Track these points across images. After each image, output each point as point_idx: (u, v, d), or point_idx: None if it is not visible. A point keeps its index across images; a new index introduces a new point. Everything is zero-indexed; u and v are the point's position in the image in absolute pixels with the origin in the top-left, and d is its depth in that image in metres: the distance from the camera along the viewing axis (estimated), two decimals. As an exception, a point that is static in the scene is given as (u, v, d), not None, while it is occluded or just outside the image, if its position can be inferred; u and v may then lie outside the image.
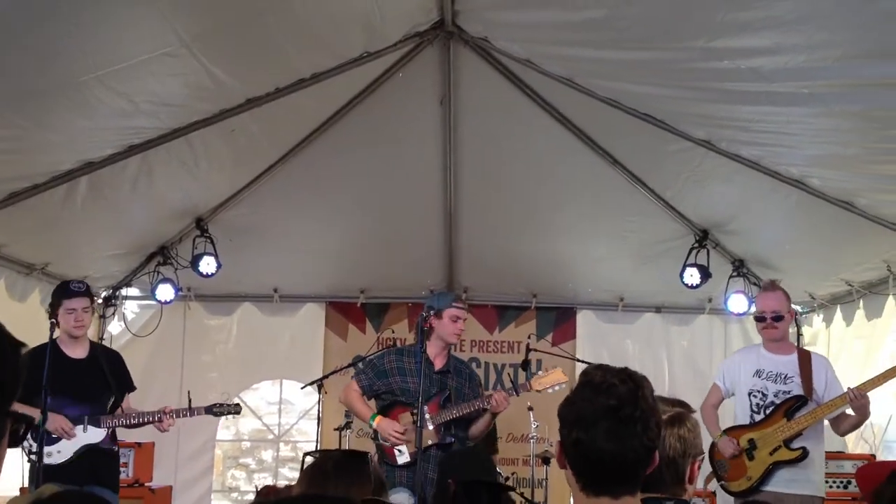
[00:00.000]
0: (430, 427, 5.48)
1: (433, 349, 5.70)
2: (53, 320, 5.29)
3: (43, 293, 6.86)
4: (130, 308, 8.38)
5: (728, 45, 4.22)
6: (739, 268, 7.75)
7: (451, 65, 5.81)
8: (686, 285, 7.40)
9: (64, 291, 5.69)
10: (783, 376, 5.57)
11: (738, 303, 7.72)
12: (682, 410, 2.68)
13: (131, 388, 6.09)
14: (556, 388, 5.76)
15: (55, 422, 5.46)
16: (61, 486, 2.51)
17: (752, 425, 5.59)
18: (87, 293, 5.76)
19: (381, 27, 5.30)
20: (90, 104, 4.82)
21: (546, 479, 7.51)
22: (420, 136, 6.61)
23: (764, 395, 5.59)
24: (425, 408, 5.41)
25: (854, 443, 7.27)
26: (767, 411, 5.55)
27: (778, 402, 5.53)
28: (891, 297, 6.66)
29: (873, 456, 7.07)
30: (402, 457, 5.50)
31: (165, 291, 7.66)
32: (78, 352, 5.78)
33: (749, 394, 5.65)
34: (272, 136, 6.45)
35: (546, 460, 7.38)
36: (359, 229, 7.73)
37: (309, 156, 6.71)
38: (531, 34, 5.26)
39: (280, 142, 6.61)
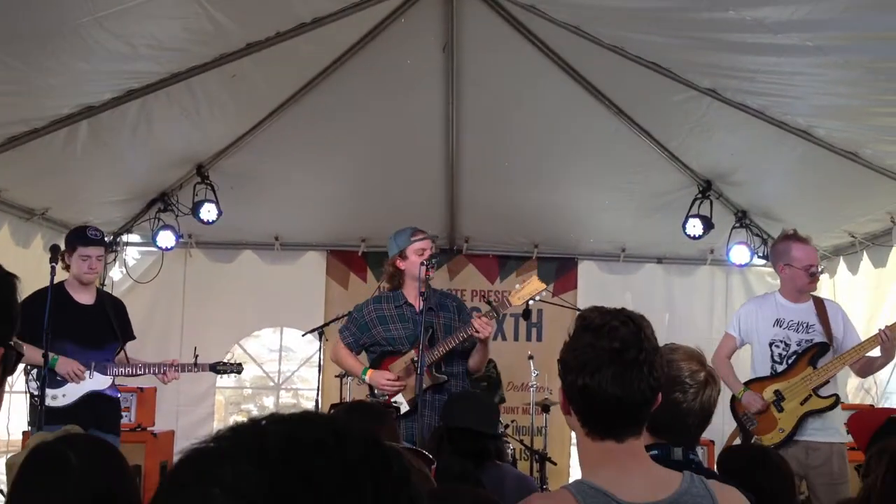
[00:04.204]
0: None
1: (410, 291, 5.32)
2: (54, 264, 5.22)
3: (45, 238, 6.86)
4: (131, 254, 8.39)
5: (733, -7, 4.16)
6: (742, 219, 7.74)
7: (455, 10, 5.75)
8: (688, 236, 7.39)
9: (80, 237, 5.63)
10: (805, 325, 5.49)
11: (739, 254, 7.72)
12: (712, 367, 2.66)
13: (131, 337, 6.08)
14: (538, 297, 5.24)
15: (66, 365, 5.46)
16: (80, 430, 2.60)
17: (775, 376, 5.50)
18: (103, 242, 5.73)
19: (384, -29, 5.24)
20: (89, 47, 4.76)
21: (546, 426, 7.57)
22: (422, 83, 6.55)
23: (787, 344, 5.50)
24: (412, 352, 5.19)
25: (854, 393, 7.31)
26: (790, 361, 5.48)
27: (800, 350, 5.46)
28: (894, 249, 6.65)
29: (872, 406, 7.10)
30: (402, 407, 5.29)
31: (166, 238, 7.64)
32: (85, 297, 5.74)
33: (770, 344, 5.54)
34: (273, 83, 6.40)
35: (546, 408, 7.43)
36: (360, 178, 7.69)
37: (310, 102, 6.65)
38: (536, -21, 5.20)
39: (281, 88, 6.55)
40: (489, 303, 5.25)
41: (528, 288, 5.23)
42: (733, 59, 5.12)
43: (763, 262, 8.03)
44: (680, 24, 4.81)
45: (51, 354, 5.29)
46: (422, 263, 5.21)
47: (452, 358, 5.33)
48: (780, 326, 5.53)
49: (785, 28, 4.27)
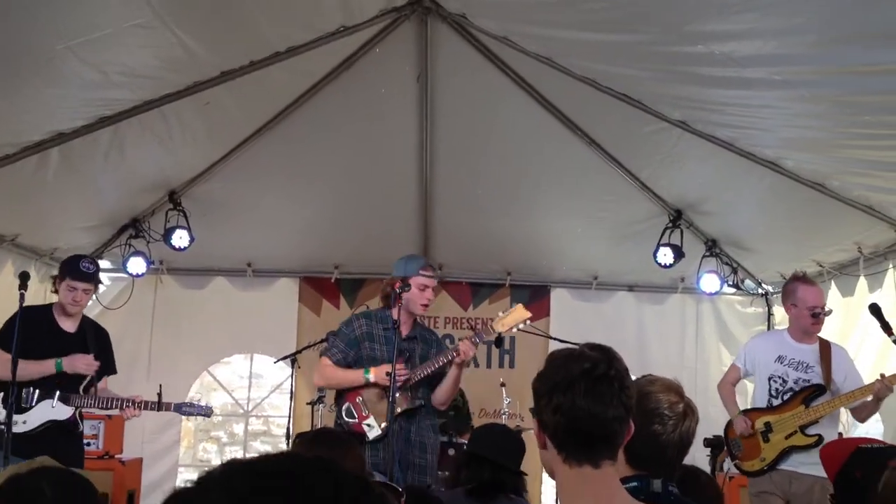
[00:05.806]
0: (397, 394, 5.05)
1: (401, 316, 5.20)
2: (23, 291, 5.13)
3: (16, 264, 6.82)
4: (102, 280, 8.30)
5: (702, 29, 4.23)
6: (712, 248, 7.82)
7: (429, 41, 5.78)
8: (659, 265, 7.44)
9: (72, 269, 5.48)
10: (804, 365, 5.68)
11: (710, 282, 7.79)
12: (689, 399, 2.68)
13: (112, 371, 5.89)
14: (521, 325, 5.50)
15: (74, 362, 5.40)
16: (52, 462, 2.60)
17: (770, 409, 5.71)
18: (94, 278, 5.57)
19: (358, 1, 5.25)
20: (61, 74, 4.76)
21: (517, 455, 7.54)
22: (396, 112, 6.57)
23: (784, 381, 5.70)
24: (385, 366, 5.13)
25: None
26: (785, 397, 5.67)
27: (797, 388, 5.65)
28: (862, 278, 6.74)
29: (840, 434, 7.15)
30: (373, 431, 5.22)
31: (137, 264, 7.60)
32: (68, 325, 5.63)
33: (769, 378, 5.76)
34: (246, 110, 6.39)
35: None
36: (334, 205, 7.69)
37: (284, 130, 6.65)
38: (508, 12, 5.25)
39: (254, 115, 6.55)
40: (473, 328, 5.30)
41: (513, 316, 5.47)
42: (703, 92, 5.19)
43: (733, 290, 8.12)
44: (650, 57, 4.87)
45: (56, 360, 5.34)
46: (394, 289, 5.26)
47: (422, 385, 5.35)
48: (781, 363, 5.76)
49: (753, 62, 4.34)
